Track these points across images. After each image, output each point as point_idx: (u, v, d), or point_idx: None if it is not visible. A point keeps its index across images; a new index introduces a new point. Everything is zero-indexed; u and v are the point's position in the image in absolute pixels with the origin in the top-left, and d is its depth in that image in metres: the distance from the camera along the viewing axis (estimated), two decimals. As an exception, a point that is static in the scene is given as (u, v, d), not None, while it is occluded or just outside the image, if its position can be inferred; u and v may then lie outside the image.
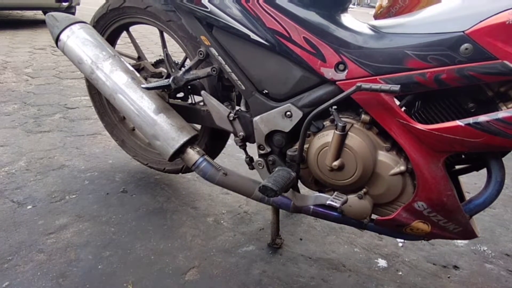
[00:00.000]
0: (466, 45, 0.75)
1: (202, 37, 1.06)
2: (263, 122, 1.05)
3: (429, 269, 1.24)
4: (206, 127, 1.39)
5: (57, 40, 1.30)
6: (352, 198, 1.00)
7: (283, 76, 0.98)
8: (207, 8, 0.99)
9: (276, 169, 1.06)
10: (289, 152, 1.02)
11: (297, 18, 0.91)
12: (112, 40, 1.53)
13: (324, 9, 0.92)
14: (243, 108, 1.13)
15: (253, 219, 1.44)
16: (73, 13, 4.77)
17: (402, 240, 1.36)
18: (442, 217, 0.92)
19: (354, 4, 21.48)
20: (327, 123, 0.98)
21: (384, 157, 0.93)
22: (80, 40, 1.27)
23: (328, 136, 0.95)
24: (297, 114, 0.99)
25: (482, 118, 0.77)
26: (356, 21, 0.96)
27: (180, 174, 1.58)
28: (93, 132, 2.06)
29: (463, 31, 0.75)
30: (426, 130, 0.82)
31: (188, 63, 1.25)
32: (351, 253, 1.29)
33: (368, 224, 1.03)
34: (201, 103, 1.32)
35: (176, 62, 1.35)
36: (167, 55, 1.27)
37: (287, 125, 1.02)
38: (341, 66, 0.89)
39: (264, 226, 1.39)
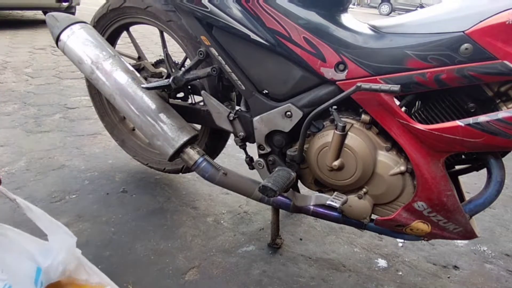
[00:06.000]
0: (466, 45, 0.75)
1: (202, 37, 1.06)
2: (263, 122, 1.05)
3: (429, 269, 1.24)
4: (206, 127, 1.39)
5: (57, 40, 1.30)
6: (352, 198, 1.00)
7: (283, 76, 0.98)
8: (207, 8, 0.99)
9: (276, 169, 1.06)
10: (289, 152, 1.02)
11: (297, 18, 0.91)
12: (112, 40, 1.53)
13: (324, 9, 0.92)
14: (243, 108, 1.13)
15: (253, 219, 1.44)
16: (73, 13, 4.77)
17: (402, 240, 1.35)
18: (442, 217, 0.92)
19: (354, 4, 21.50)
20: (327, 123, 0.98)
21: (384, 157, 0.93)
22: (81, 40, 1.27)
23: (328, 136, 0.95)
24: (297, 114, 0.99)
25: (482, 118, 0.77)
26: (356, 21, 0.96)
27: (180, 174, 1.58)
28: (93, 132, 2.06)
29: (463, 31, 0.75)
30: (426, 130, 0.82)
31: (188, 63, 1.25)
32: (351, 253, 1.29)
33: (368, 224, 1.03)
34: (201, 103, 1.32)
35: (176, 62, 1.35)
36: (167, 55, 1.27)
37: (287, 125, 1.02)
38: (341, 66, 0.89)
39: (264, 226, 1.39)
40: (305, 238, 1.35)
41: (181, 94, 1.36)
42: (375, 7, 18.50)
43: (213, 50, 1.06)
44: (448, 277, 1.22)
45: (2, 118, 2.13)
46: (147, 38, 4.98)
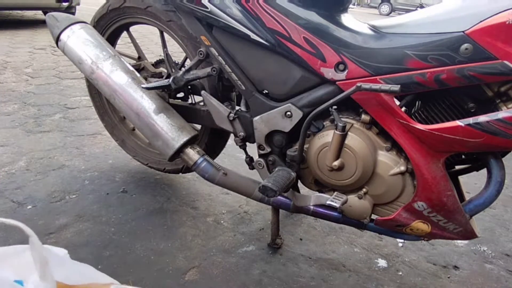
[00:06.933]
0: (466, 45, 0.75)
1: (202, 37, 1.06)
2: (263, 122, 1.05)
3: (429, 269, 1.24)
4: (206, 127, 1.39)
5: (57, 40, 1.30)
6: (352, 198, 1.00)
7: (283, 76, 0.98)
8: (207, 8, 0.99)
9: (276, 169, 1.06)
10: (289, 152, 1.02)
11: (297, 18, 0.91)
12: (112, 40, 1.53)
13: (324, 9, 0.92)
14: (243, 108, 1.13)
15: (253, 219, 1.44)
16: (73, 13, 4.77)
17: (402, 240, 1.35)
18: (442, 217, 0.92)
19: (354, 4, 21.50)
20: (327, 123, 0.98)
21: (384, 157, 0.93)
22: (81, 40, 1.27)
23: (328, 136, 0.95)
24: (297, 114, 0.99)
25: (482, 118, 0.77)
26: (356, 21, 0.96)
27: (180, 174, 1.58)
28: (93, 132, 2.06)
29: (463, 31, 0.75)
30: (426, 130, 0.82)
31: (188, 63, 1.25)
32: (351, 253, 1.29)
33: (368, 224, 1.03)
34: (201, 103, 1.32)
35: (176, 62, 1.35)
36: (167, 55, 1.27)
37: (287, 125, 1.02)
38: (341, 66, 0.89)
39: (264, 226, 1.39)
40: (305, 238, 1.35)
41: (181, 94, 1.36)
42: (375, 7, 18.50)
43: (213, 50, 1.06)
44: (448, 277, 1.22)
45: (2, 118, 2.13)
46: (147, 38, 4.99)
